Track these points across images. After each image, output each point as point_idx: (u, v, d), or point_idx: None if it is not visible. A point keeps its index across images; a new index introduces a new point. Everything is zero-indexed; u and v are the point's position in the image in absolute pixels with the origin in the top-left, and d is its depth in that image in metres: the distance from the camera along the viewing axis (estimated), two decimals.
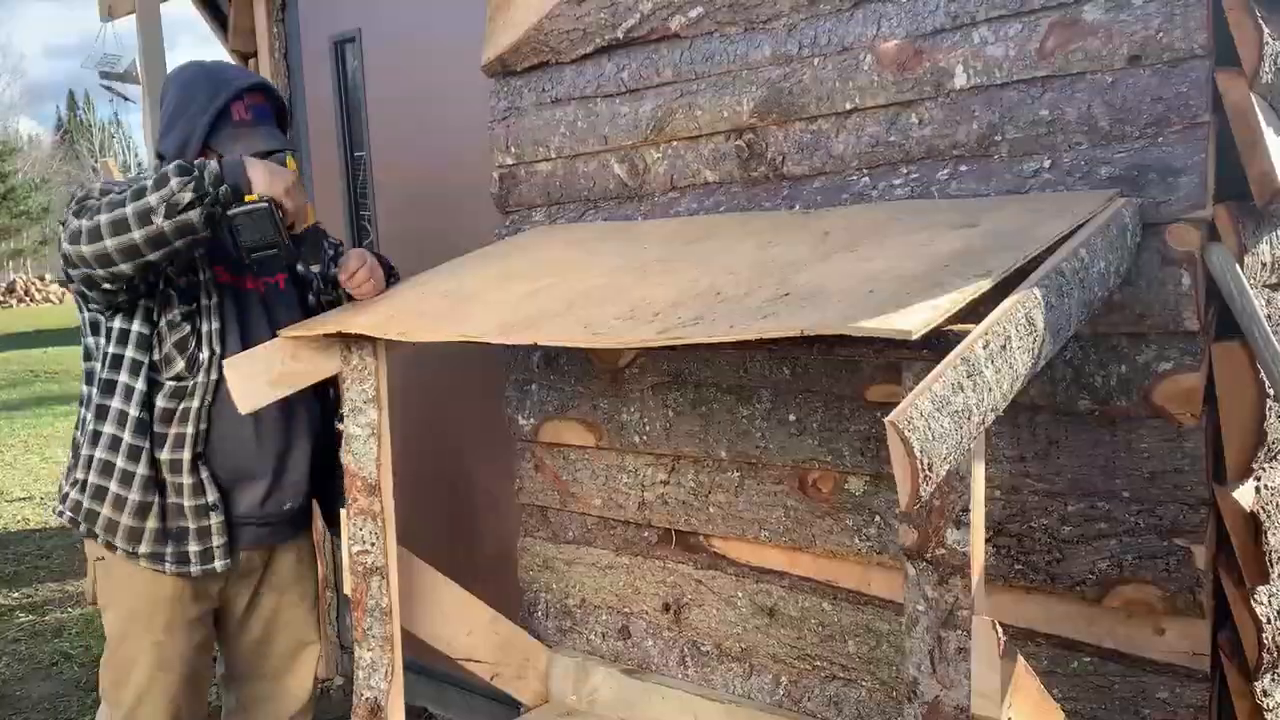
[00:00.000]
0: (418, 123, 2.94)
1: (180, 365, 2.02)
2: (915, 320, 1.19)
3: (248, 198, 1.90)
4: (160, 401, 2.02)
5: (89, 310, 2.05)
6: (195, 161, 1.92)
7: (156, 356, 2.02)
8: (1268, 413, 1.59)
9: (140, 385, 2.01)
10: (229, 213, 1.90)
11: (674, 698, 2.19)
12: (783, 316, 1.36)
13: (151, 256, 1.87)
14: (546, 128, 2.37)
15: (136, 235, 1.84)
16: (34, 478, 7.39)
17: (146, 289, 2.01)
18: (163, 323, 2.02)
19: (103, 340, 2.04)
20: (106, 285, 1.93)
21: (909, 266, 1.43)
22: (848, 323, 1.24)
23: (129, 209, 1.84)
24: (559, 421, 2.37)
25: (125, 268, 1.87)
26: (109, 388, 2.02)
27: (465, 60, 2.53)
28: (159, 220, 1.83)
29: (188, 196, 1.84)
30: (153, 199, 1.84)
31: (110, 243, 1.84)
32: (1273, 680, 1.63)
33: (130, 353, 2.01)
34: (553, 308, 1.73)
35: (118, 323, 2.02)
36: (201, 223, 1.87)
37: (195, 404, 2.03)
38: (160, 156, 2.11)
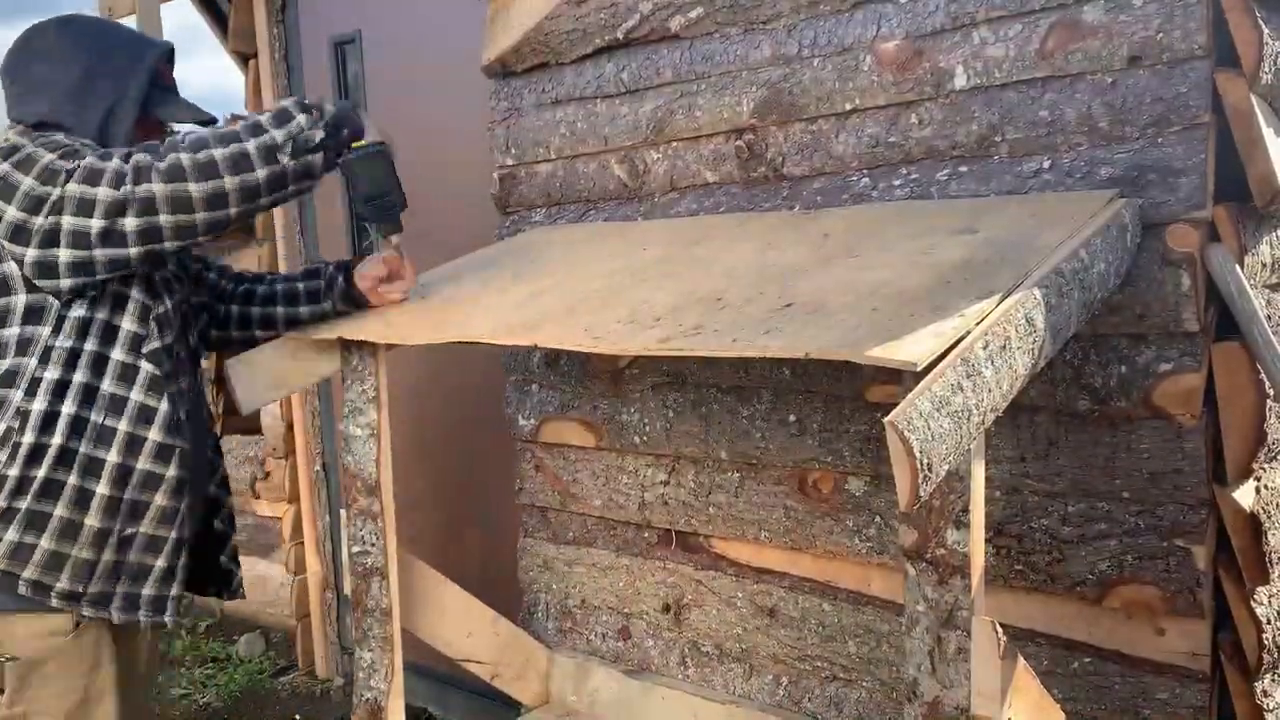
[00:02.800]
0: (418, 123, 2.94)
1: (168, 366, 1.73)
2: (920, 350, 1.19)
3: (356, 144, 1.75)
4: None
5: (30, 293, 1.63)
6: (310, 100, 1.72)
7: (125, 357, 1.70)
8: (1268, 413, 1.59)
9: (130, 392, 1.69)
10: (350, 158, 1.74)
11: (674, 698, 2.19)
12: (786, 333, 1.36)
13: (263, 202, 1.66)
14: (546, 128, 2.37)
15: (260, 174, 1.62)
16: None
17: (151, 267, 1.71)
18: (151, 317, 1.72)
19: (46, 331, 1.62)
20: (158, 246, 1.62)
21: (911, 280, 1.44)
22: (852, 350, 1.24)
23: (250, 144, 1.62)
24: (559, 422, 2.37)
25: (230, 214, 1.63)
26: (60, 391, 1.62)
27: (465, 61, 2.53)
28: (284, 159, 1.64)
29: (319, 135, 1.66)
30: (277, 134, 1.64)
31: (230, 181, 1.60)
32: (1273, 681, 1.63)
33: (116, 353, 1.67)
34: (553, 310, 1.73)
35: (80, 311, 1.64)
36: (322, 167, 1.70)
37: (182, 415, 1.74)
38: (51, 125, 1.70)
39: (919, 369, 1.16)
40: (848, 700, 1.98)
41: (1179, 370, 1.58)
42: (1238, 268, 1.54)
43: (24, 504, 1.59)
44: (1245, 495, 1.60)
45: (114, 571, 1.67)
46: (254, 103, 3.43)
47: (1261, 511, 1.57)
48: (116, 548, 1.66)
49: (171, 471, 1.71)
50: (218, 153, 1.60)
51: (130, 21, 6.27)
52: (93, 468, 1.63)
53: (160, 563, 1.72)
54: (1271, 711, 1.63)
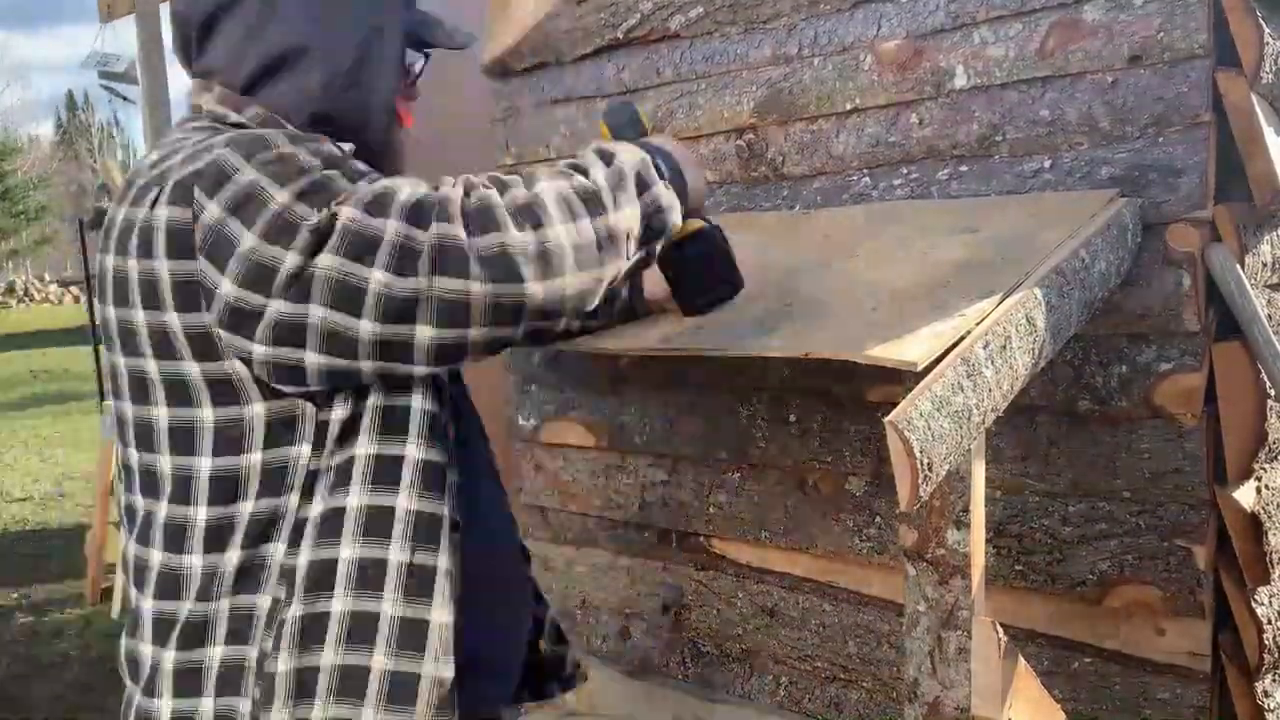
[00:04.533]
0: (417, 123, 2.93)
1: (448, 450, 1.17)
2: (920, 350, 1.19)
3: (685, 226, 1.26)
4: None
5: (270, 399, 1.05)
6: (646, 142, 1.21)
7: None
8: (1268, 413, 1.59)
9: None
10: (685, 254, 1.28)
11: (674, 698, 2.19)
12: (786, 333, 1.36)
13: (574, 320, 1.12)
14: (546, 128, 2.36)
15: (588, 279, 1.07)
16: (33, 478, 7.38)
17: None
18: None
19: (305, 447, 1.06)
20: (455, 363, 1.11)
21: (911, 280, 1.43)
22: (852, 350, 1.24)
23: (590, 229, 1.05)
24: (559, 422, 2.37)
25: (558, 329, 1.11)
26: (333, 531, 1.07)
27: (465, 60, 2.53)
28: (622, 257, 1.10)
29: (675, 219, 1.16)
30: (626, 215, 1.09)
31: (574, 280, 1.05)
32: (1273, 681, 1.63)
33: (402, 449, 1.09)
34: None
35: (341, 410, 1.08)
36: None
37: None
38: (281, 69, 1.14)
39: (919, 369, 1.16)
40: (848, 700, 1.98)
41: (1179, 370, 1.58)
42: (1238, 267, 1.53)
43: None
44: (1246, 495, 1.60)
45: None
46: None
47: (1262, 511, 1.57)
48: None
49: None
50: (562, 234, 1.03)
51: (129, 21, 6.26)
52: (412, 637, 1.09)
53: None
54: (1272, 711, 1.63)
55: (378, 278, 0.98)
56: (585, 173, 1.10)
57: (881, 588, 1.91)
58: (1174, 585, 1.61)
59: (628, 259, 1.11)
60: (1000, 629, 1.26)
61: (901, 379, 1.22)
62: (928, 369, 1.16)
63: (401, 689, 1.05)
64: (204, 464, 1.04)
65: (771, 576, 2.07)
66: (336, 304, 0.99)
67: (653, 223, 1.13)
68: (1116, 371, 1.63)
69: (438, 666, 1.07)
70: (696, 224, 1.30)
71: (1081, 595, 1.69)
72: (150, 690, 1.08)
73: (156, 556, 1.07)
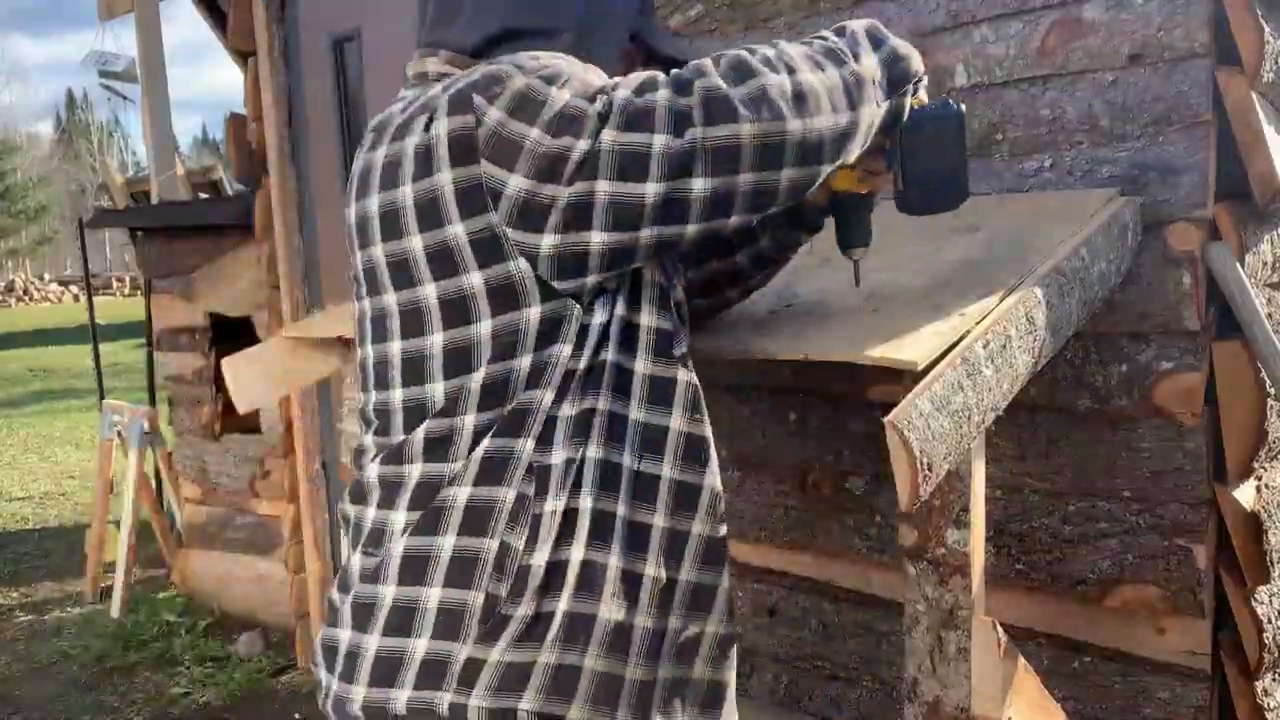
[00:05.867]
0: None
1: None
2: (920, 350, 1.18)
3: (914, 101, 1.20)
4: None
5: (545, 301, 1.08)
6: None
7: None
8: (1268, 412, 1.59)
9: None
10: (924, 113, 1.21)
11: None
12: (786, 333, 1.36)
13: (851, 158, 1.14)
14: None
15: (862, 114, 1.11)
16: (33, 477, 7.38)
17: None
18: (672, 302, 1.17)
19: (566, 351, 1.08)
20: (722, 222, 1.09)
21: (911, 279, 1.43)
22: (852, 350, 1.24)
23: (843, 72, 1.10)
24: None
25: (818, 174, 1.11)
26: (582, 431, 1.09)
27: None
28: (880, 99, 1.13)
29: (916, 66, 1.17)
30: (869, 62, 1.12)
31: (830, 122, 1.08)
32: (1273, 680, 1.63)
33: (641, 365, 1.12)
34: None
35: (601, 316, 1.10)
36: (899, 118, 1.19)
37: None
38: (495, 41, 1.18)
39: (919, 369, 1.16)
40: (848, 700, 1.98)
41: (1180, 369, 1.58)
42: (1239, 266, 1.53)
43: (560, 605, 1.05)
44: (1246, 494, 1.60)
45: (672, 697, 1.15)
46: (253, 101, 3.42)
47: (1262, 510, 1.57)
48: (677, 658, 1.15)
49: (724, 532, 1.17)
50: (813, 79, 1.07)
51: (128, 20, 6.26)
52: (636, 539, 1.10)
53: (729, 675, 1.24)
54: (1272, 710, 1.63)
55: (658, 141, 1.03)
56: (820, 38, 1.16)
57: (882, 587, 1.91)
58: (1174, 585, 1.60)
59: (878, 105, 1.14)
60: (1000, 629, 1.26)
61: (901, 378, 1.22)
62: (928, 368, 1.16)
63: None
64: (478, 377, 1.08)
65: (771, 576, 2.07)
66: (622, 174, 1.03)
67: (893, 72, 1.15)
68: (1117, 370, 1.63)
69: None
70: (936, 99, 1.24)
71: (1082, 595, 1.69)
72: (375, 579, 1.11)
73: (415, 470, 1.11)
